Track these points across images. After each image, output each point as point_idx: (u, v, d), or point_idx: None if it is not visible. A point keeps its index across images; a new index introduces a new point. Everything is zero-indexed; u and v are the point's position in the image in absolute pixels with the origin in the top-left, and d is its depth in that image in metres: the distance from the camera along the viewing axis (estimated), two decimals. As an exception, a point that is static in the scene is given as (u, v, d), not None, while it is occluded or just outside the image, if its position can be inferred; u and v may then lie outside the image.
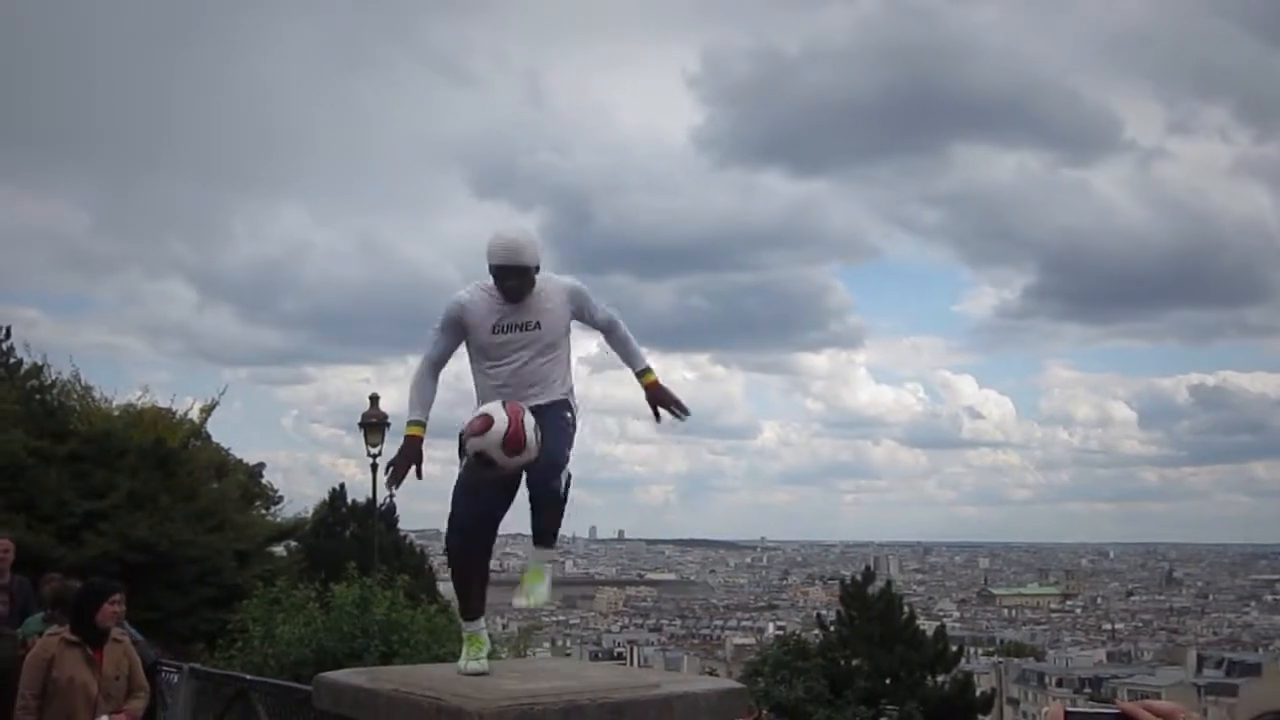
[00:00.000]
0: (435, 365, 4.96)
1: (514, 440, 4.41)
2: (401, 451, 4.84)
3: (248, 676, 10.38)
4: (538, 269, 4.77)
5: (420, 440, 4.85)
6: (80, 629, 6.36)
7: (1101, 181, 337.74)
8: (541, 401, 4.72)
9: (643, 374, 5.05)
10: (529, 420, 4.47)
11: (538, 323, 4.76)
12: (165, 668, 10.22)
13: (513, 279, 4.68)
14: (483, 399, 4.73)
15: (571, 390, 4.95)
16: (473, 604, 4.96)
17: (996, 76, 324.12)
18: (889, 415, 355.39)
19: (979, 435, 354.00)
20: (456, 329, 4.86)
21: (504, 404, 4.51)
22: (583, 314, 4.94)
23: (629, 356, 5.08)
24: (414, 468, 4.81)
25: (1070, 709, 1.45)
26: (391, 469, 4.83)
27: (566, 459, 4.72)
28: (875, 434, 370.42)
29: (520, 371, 4.78)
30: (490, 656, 4.95)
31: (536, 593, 4.80)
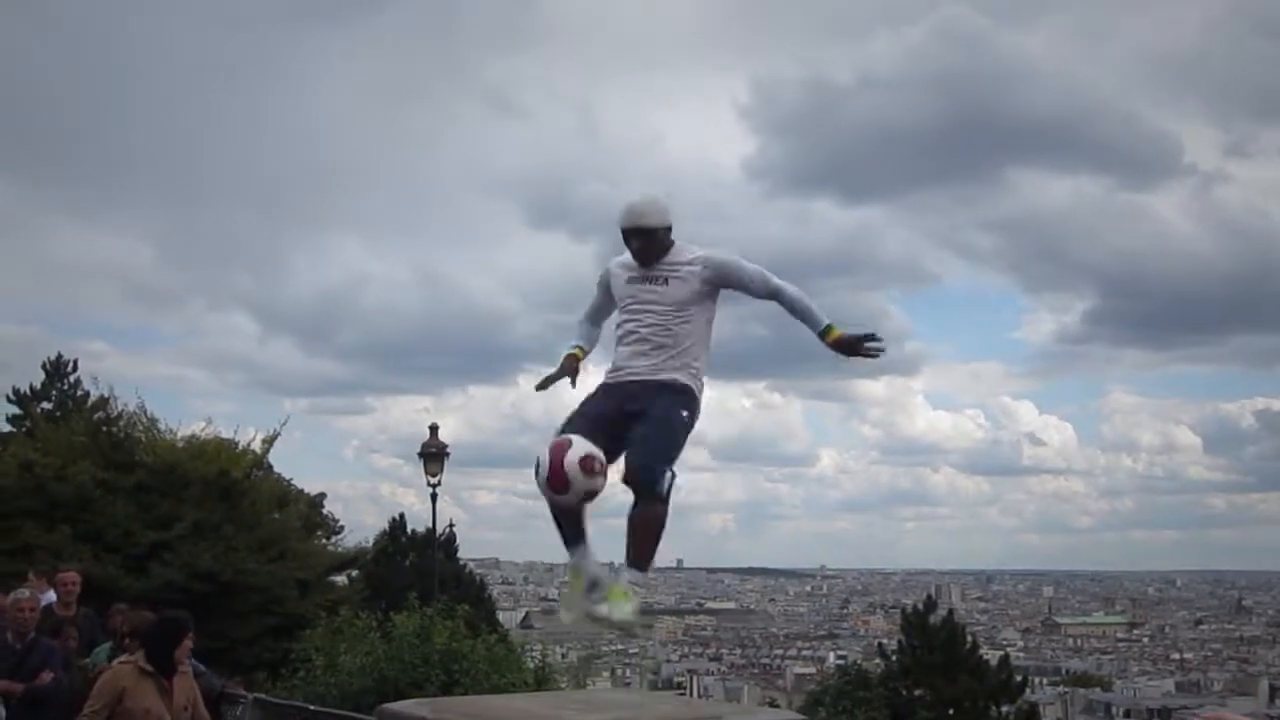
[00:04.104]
0: (589, 314, 5.26)
1: (556, 479, 4.45)
2: (560, 366, 5.11)
3: (311, 706, 10.47)
4: (668, 230, 4.88)
5: (577, 359, 5.14)
6: (156, 660, 6.42)
7: (1161, 205, 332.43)
8: (659, 376, 4.75)
9: (824, 333, 4.81)
10: (572, 455, 4.44)
11: (665, 278, 4.83)
12: (232, 697, 10.29)
13: (636, 240, 4.87)
14: (614, 354, 4.95)
15: (697, 373, 4.83)
16: (566, 530, 4.81)
17: (1050, 101, 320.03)
18: (948, 442, 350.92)
19: (1040, 462, 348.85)
20: (604, 286, 5.12)
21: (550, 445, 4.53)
22: (729, 283, 4.86)
23: (806, 320, 4.86)
24: (568, 378, 5.08)
25: None
26: (544, 378, 5.10)
27: (658, 462, 4.57)
28: (934, 461, 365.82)
29: (646, 329, 4.83)
30: (548, 685, 4.91)
31: (619, 609, 4.59)
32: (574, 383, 5.09)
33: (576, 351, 5.16)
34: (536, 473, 4.48)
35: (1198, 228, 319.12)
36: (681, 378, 4.76)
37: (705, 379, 4.90)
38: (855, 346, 4.75)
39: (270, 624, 18.37)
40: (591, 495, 4.53)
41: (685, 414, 4.72)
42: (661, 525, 4.67)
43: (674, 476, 4.60)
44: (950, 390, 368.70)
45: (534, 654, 16.23)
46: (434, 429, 20.46)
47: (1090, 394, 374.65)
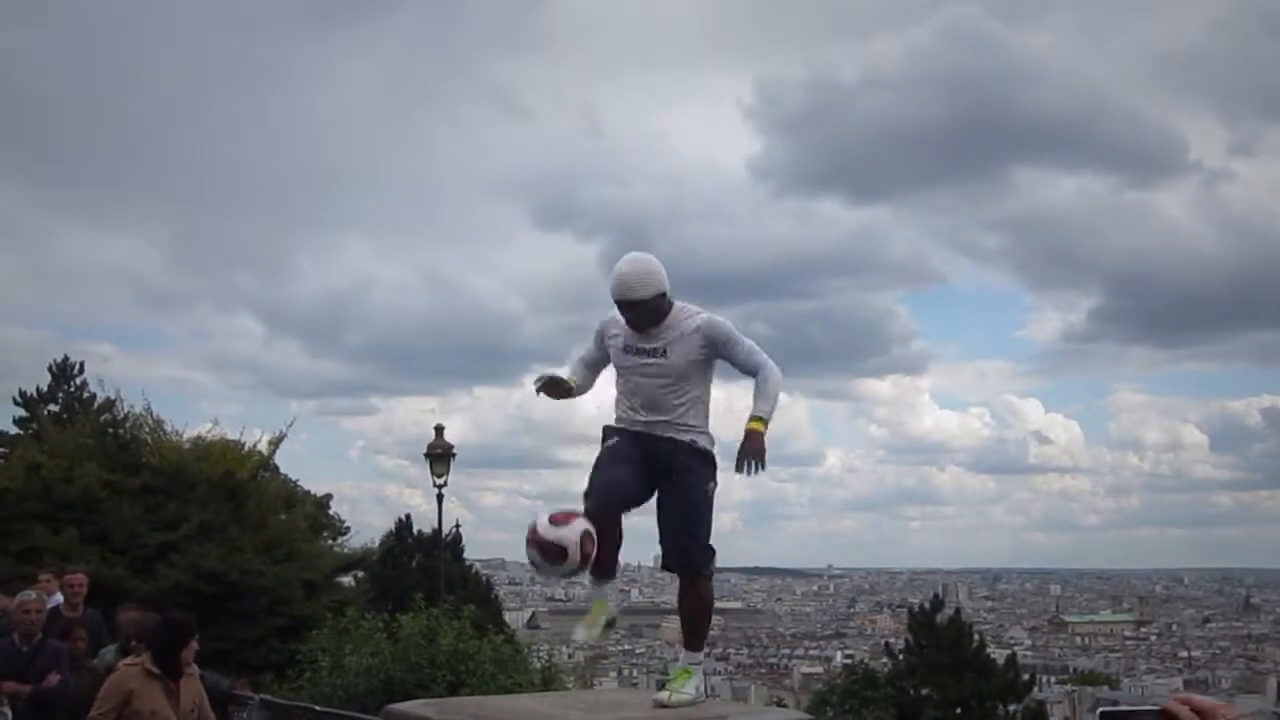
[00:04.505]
0: (585, 359, 5.23)
1: (549, 551, 4.55)
2: (559, 382, 5.13)
3: (317, 707, 10.48)
4: (664, 296, 4.84)
5: (570, 391, 5.13)
6: (162, 662, 6.42)
7: (1166, 203, 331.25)
8: (684, 436, 4.84)
9: (752, 419, 4.81)
10: (543, 524, 4.54)
11: (664, 350, 4.83)
12: (239, 698, 10.29)
13: (628, 311, 4.85)
14: (616, 408, 4.99)
15: (710, 434, 4.93)
16: (597, 567, 4.90)
17: (1055, 100, 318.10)
18: (954, 441, 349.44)
19: (1047, 460, 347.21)
20: (600, 340, 5.11)
21: (550, 522, 4.57)
22: (720, 352, 4.87)
23: (755, 400, 4.87)
24: (559, 387, 5.10)
25: (1106, 709, 1.41)
26: (544, 379, 5.11)
27: (699, 544, 4.85)
28: (940, 460, 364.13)
29: (643, 395, 4.88)
30: (554, 685, 5.00)
31: (678, 694, 4.82)
32: (560, 390, 5.16)
33: (570, 383, 5.16)
34: (538, 566, 4.59)
35: (1203, 226, 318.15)
36: (703, 442, 4.88)
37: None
38: (749, 452, 4.72)
39: (277, 625, 18.39)
40: (586, 538, 4.58)
41: (712, 485, 4.89)
42: (711, 605, 5.09)
43: (714, 553, 4.91)
44: (956, 389, 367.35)
45: (540, 654, 16.23)
46: (439, 430, 20.49)
47: (1096, 392, 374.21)
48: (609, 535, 4.91)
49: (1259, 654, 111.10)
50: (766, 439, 4.73)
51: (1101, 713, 1.40)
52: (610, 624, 5.10)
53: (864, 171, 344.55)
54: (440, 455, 19.84)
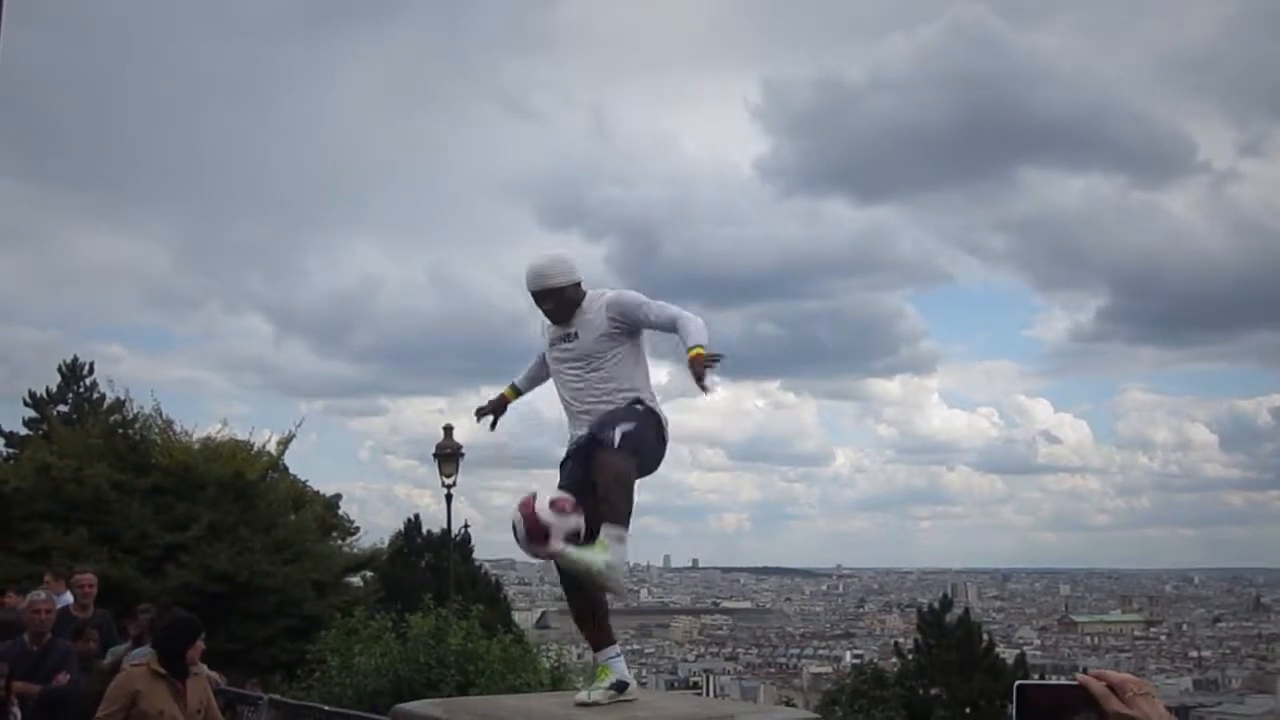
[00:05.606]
0: (534, 366, 5.29)
1: (534, 529, 4.38)
2: (490, 401, 5.30)
3: (325, 707, 10.49)
4: (577, 285, 4.86)
5: (505, 398, 5.30)
6: (168, 662, 6.42)
7: (1174, 204, 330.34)
8: (605, 407, 4.71)
9: (689, 349, 4.54)
10: (541, 502, 4.41)
11: (576, 333, 4.82)
12: (248, 697, 10.30)
13: (546, 303, 4.86)
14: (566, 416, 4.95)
15: (637, 391, 4.75)
16: (588, 633, 4.88)
17: (1063, 100, 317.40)
18: (962, 440, 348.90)
19: (1056, 460, 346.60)
20: (540, 352, 5.17)
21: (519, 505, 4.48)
22: (635, 321, 4.77)
23: (684, 338, 4.60)
24: (492, 417, 5.28)
25: (1022, 682, 1.42)
26: (478, 408, 5.31)
27: (616, 426, 4.52)
28: (949, 459, 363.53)
29: (572, 386, 4.85)
30: (563, 685, 4.92)
31: (596, 557, 4.40)
32: (494, 425, 5.29)
33: (508, 392, 5.28)
34: (516, 536, 4.46)
35: (1212, 226, 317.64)
36: (618, 400, 4.72)
37: (658, 395, 4.86)
38: (701, 365, 4.46)
39: (286, 625, 18.44)
40: (574, 535, 4.40)
41: (640, 408, 4.69)
42: (623, 476, 4.51)
43: (624, 437, 4.48)
44: (965, 389, 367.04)
45: (549, 654, 16.23)
46: (448, 430, 20.47)
47: (1105, 392, 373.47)
48: (597, 602, 4.85)
49: (1269, 654, 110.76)
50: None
51: (1017, 685, 1.42)
52: (618, 687, 4.63)
53: (871, 171, 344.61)
54: (449, 455, 19.81)
